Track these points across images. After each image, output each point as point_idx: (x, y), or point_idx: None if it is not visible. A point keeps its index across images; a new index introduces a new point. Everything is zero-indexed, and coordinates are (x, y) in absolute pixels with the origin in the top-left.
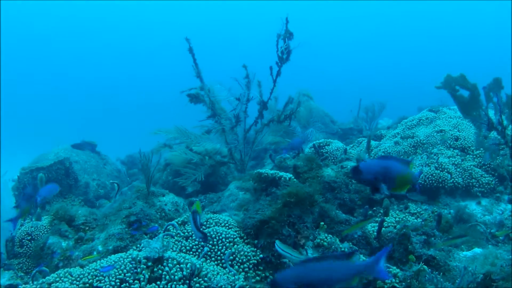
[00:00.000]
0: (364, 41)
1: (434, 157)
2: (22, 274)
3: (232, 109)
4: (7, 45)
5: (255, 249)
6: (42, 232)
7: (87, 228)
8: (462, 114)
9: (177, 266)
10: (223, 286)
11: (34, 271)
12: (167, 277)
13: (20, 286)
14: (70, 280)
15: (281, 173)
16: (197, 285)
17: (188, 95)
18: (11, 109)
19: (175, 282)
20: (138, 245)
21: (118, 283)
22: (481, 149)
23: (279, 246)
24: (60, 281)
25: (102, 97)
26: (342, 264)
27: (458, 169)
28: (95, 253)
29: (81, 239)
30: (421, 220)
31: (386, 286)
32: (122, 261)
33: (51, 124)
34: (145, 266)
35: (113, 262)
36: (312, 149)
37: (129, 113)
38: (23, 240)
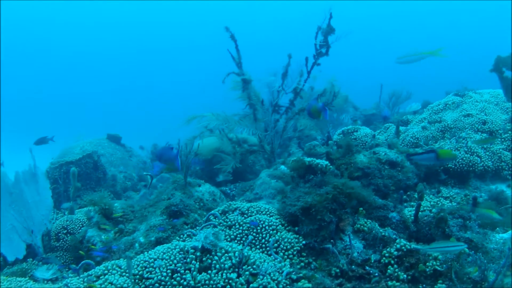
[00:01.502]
0: (381, 29)
1: (463, 141)
2: (61, 267)
3: (268, 96)
4: (25, 37)
5: (298, 235)
6: (78, 225)
7: (125, 220)
8: (505, 97)
9: (226, 255)
10: (272, 273)
11: (80, 264)
12: (217, 266)
13: (67, 279)
14: (119, 272)
15: (318, 160)
16: (247, 273)
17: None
18: (33, 105)
19: (225, 271)
20: (181, 236)
21: (170, 274)
22: (510, 132)
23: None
24: (109, 273)
25: (122, 92)
26: None
27: (488, 153)
28: (137, 244)
29: (121, 231)
30: (456, 203)
31: (427, 269)
32: (171, 252)
33: (74, 118)
34: (194, 256)
35: (161, 253)
36: (341, 135)
37: (152, 106)
38: (59, 234)
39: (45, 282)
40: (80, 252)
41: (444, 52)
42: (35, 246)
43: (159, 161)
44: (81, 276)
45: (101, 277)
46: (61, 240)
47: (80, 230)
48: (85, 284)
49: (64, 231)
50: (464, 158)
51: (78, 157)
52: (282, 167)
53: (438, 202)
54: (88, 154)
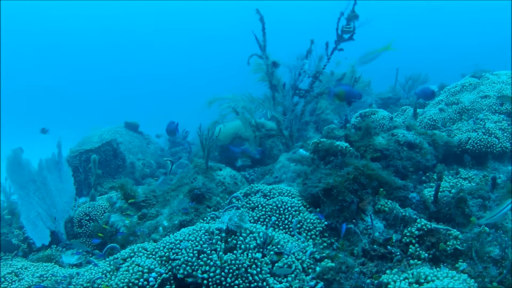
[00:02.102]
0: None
1: (481, 122)
2: (84, 252)
3: (289, 80)
4: (34, 33)
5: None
6: (100, 212)
7: (147, 205)
8: None
9: (251, 235)
10: (296, 253)
11: (105, 249)
12: (243, 246)
13: (95, 261)
14: (145, 254)
15: (338, 142)
16: (271, 252)
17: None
18: (52, 96)
19: (250, 251)
20: (205, 218)
21: (197, 255)
22: None
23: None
24: (135, 256)
25: (139, 81)
26: None
27: (505, 134)
28: (160, 228)
29: (144, 216)
30: (474, 184)
31: (448, 248)
32: (196, 234)
33: (91, 109)
34: (219, 237)
35: (187, 235)
36: (359, 118)
37: (168, 95)
38: (82, 221)
39: (71, 267)
40: (99, 234)
41: (394, 45)
42: (58, 233)
43: (166, 132)
44: (107, 259)
45: (127, 260)
46: (84, 227)
47: (103, 216)
48: (112, 267)
49: (87, 218)
50: (482, 140)
51: (98, 145)
52: (301, 150)
53: (457, 183)
54: (107, 141)
